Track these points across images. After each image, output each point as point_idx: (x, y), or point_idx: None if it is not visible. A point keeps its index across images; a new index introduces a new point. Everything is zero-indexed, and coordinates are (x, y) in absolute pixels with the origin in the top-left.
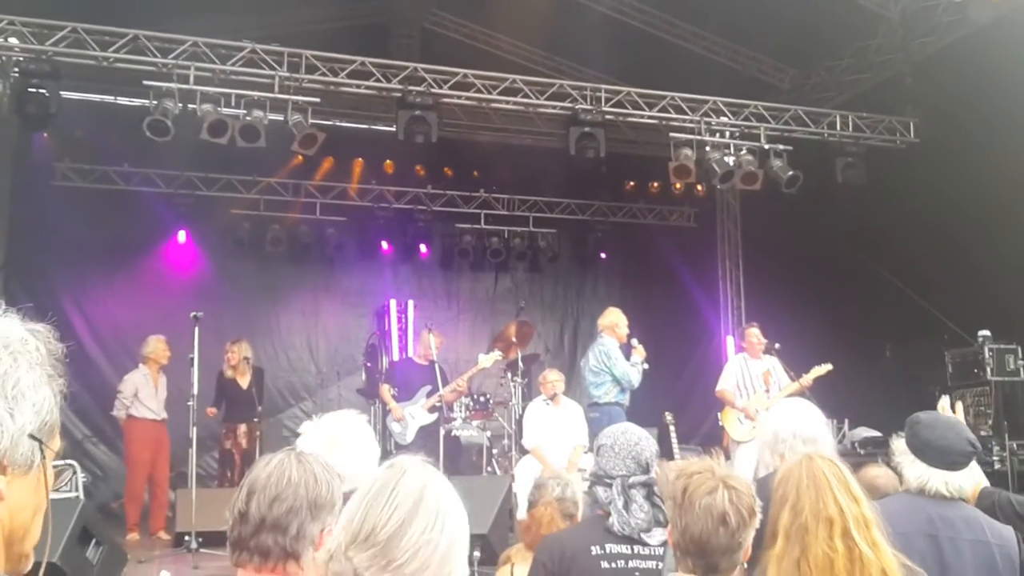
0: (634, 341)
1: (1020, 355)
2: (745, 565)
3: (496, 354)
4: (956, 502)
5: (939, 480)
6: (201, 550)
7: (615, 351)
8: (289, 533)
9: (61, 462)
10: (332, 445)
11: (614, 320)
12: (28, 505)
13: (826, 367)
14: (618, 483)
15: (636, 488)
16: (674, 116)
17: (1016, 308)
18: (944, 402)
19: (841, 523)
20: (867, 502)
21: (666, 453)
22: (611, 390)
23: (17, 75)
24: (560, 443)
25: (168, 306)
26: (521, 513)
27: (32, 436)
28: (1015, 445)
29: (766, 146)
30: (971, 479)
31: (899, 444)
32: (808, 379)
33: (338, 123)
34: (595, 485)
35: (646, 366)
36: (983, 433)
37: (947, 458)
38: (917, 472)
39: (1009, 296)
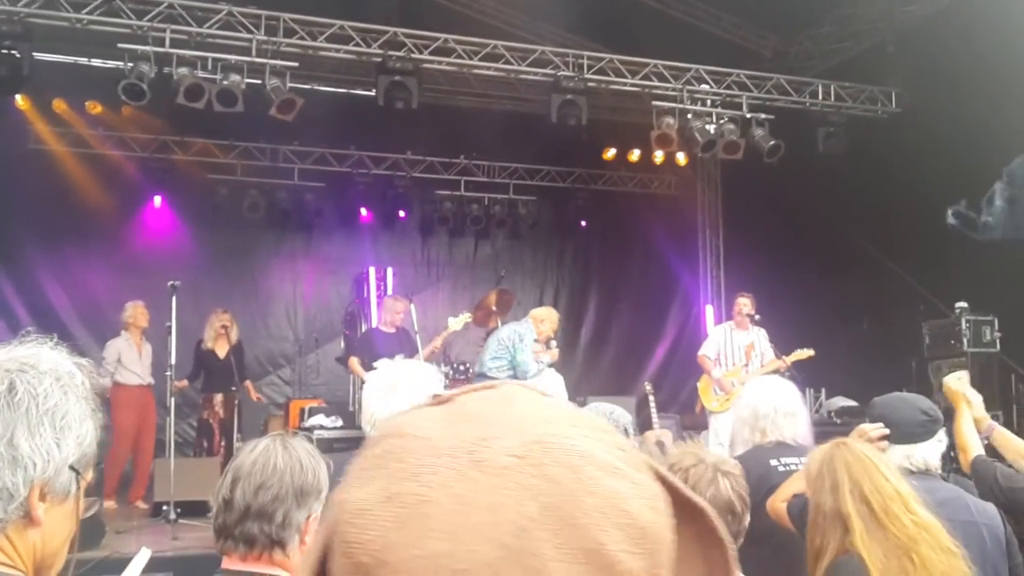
0: (553, 343)
1: (996, 327)
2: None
3: (465, 315)
4: (936, 480)
5: (900, 455)
6: (180, 521)
7: (529, 339)
8: (275, 521)
9: None
10: (393, 386)
11: (545, 316)
12: (61, 532)
13: (807, 352)
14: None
15: None
16: (657, 84)
17: (993, 280)
18: (963, 376)
19: (900, 500)
20: (901, 479)
21: (645, 422)
22: (504, 371)
23: None
24: None
25: (146, 273)
26: None
27: (72, 467)
28: (990, 416)
29: (748, 115)
30: (938, 450)
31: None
32: (789, 360)
33: (317, 87)
34: None
35: (548, 368)
36: None
37: (903, 430)
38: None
39: (986, 268)
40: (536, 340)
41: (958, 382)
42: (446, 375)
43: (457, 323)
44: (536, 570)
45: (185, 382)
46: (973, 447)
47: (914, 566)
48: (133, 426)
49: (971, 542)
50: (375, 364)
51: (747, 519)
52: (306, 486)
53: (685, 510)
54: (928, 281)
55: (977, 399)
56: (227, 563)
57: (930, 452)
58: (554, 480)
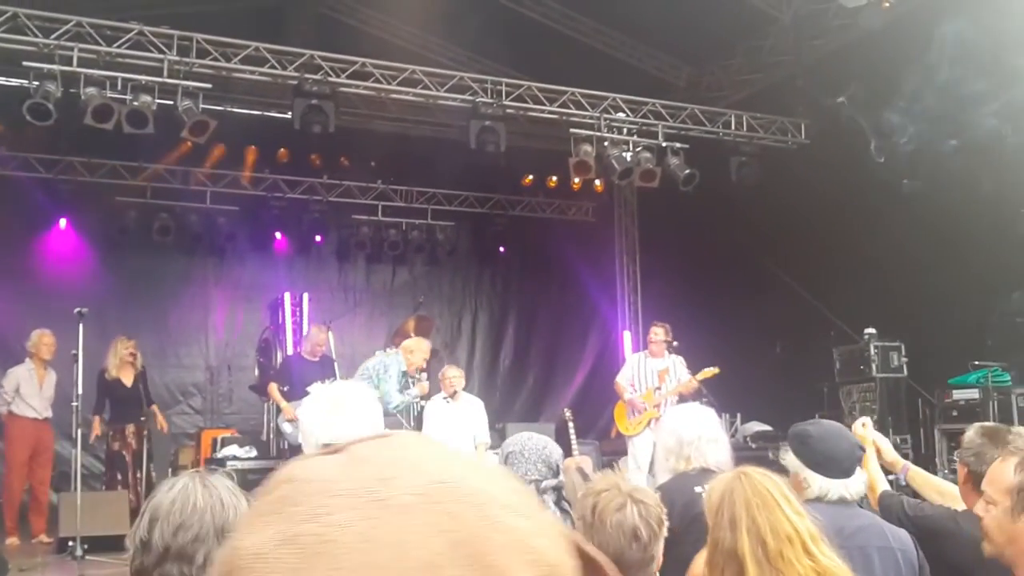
0: (423, 375)
1: (903, 352)
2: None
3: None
4: (855, 508)
5: (840, 488)
6: (87, 557)
7: (395, 371)
8: (195, 563)
9: None
10: (335, 409)
11: (415, 348)
12: None
13: (713, 370)
14: (532, 489)
15: (548, 493)
16: (574, 112)
17: (900, 307)
18: (867, 421)
19: (799, 540)
20: (808, 516)
21: (565, 448)
22: None
23: None
24: (461, 440)
25: (49, 299)
26: None
27: None
28: (898, 439)
29: (663, 144)
30: (861, 479)
31: (790, 459)
32: (697, 378)
33: (230, 109)
34: None
35: (417, 400)
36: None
37: (843, 466)
38: (818, 484)
39: (893, 295)
40: (405, 372)
41: (863, 428)
42: None
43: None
44: None
45: (98, 420)
46: (880, 484)
47: None
48: (25, 460)
49: (888, 568)
50: (308, 390)
51: (658, 546)
52: (228, 525)
53: (584, 559)
54: (838, 307)
55: (886, 443)
56: None
57: (859, 482)
58: (459, 517)
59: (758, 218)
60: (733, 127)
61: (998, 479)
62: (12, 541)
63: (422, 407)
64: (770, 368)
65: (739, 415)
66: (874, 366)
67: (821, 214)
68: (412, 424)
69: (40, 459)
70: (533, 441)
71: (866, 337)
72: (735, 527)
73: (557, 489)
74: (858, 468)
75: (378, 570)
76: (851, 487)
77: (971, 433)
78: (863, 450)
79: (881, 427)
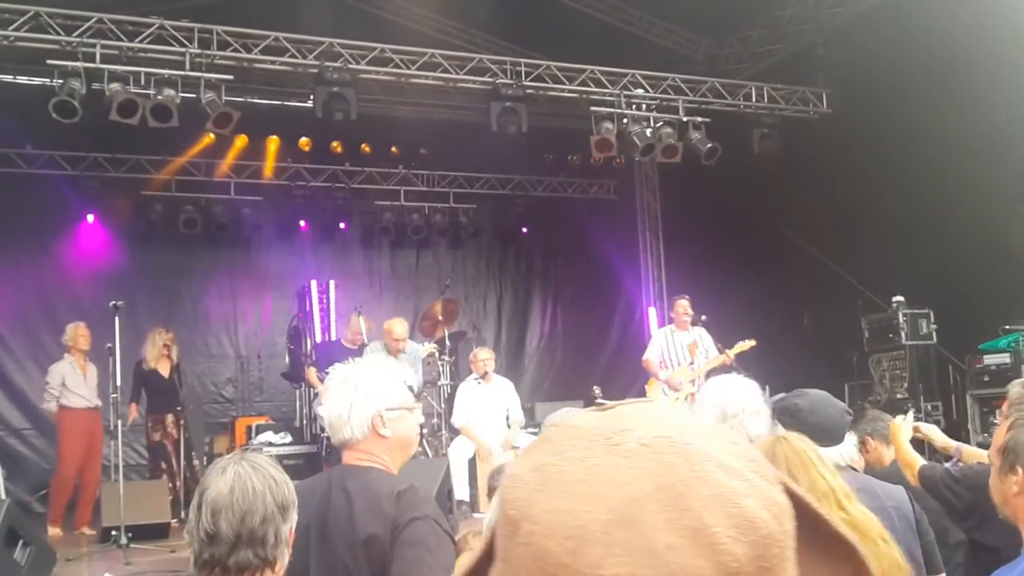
0: (406, 354)
1: (932, 319)
2: None
3: (429, 346)
4: (848, 472)
5: (835, 455)
6: (132, 545)
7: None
8: (268, 543)
9: None
10: (345, 383)
11: (390, 330)
12: None
13: (749, 343)
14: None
15: None
16: (594, 89)
17: (927, 273)
18: (909, 416)
19: (834, 497)
20: (840, 477)
21: None
22: None
23: None
24: (493, 421)
25: (80, 294)
26: (462, 494)
27: None
28: (929, 407)
29: (684, 119)
30: (851, 442)
31: (780, 431)
32: (731, 353)
33: (252, 100)
34: None
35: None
36: (899, 396)
37: (835, 433)
38: None
39: (921, 262)
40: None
41: (904, 422)
42: None
43: (421, 351)
44: (643, 535)
45: (135, 407)
46: (916, 460)
47: None
48: (81, 451)
49: (884, 526)
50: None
51: None
52: (286, 500)
53: (818, 531)
54: (865, 276)
55: (935, 431)
56: None
57: (850, 445)
58: (672, 467)
59: (782, 189)
60: (754, 99)
61: (995, 440)
62: (55, 532)
63: (452, 387)
64: (798, 339)
65: (767, 387)
66: (903, 334)
67: (845, 183)
68: (443, 406)
69: (94, 450)
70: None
71: (894, 305)
72: None
73: None
74: (848, 433)
75: (590, 498)
76: (844, 452)
77: (1018, 388)
78: (851, 414)
79: (912, 395)
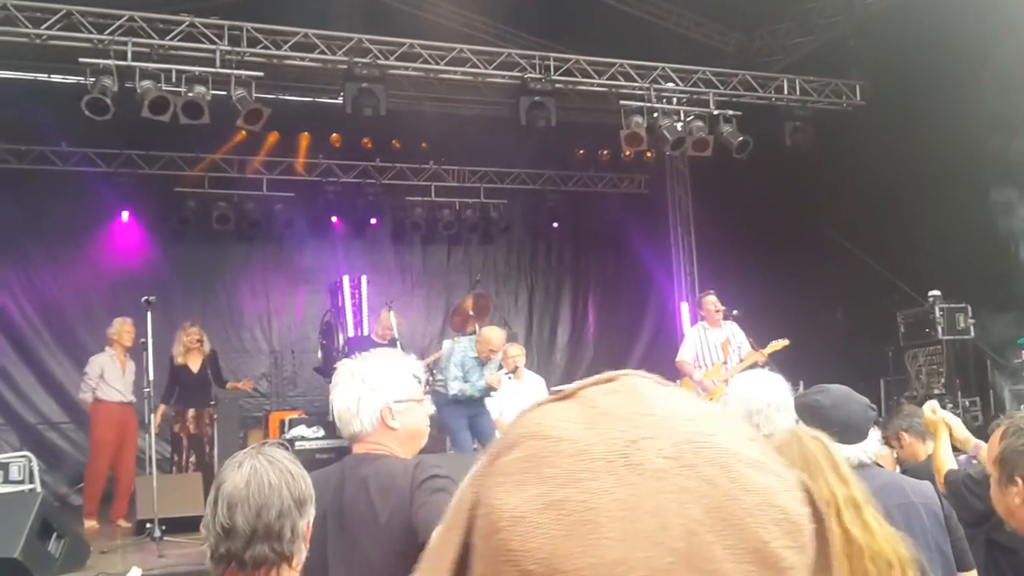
0: (498, 366)
1: (969, 314)
2: None
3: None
4: (874, 468)
5: (859, 452)
6: (165, 538)
7: (457, 358)
8: (284, 538)
9: (15, 454)
10: (353, 376)
11: (480, 338)
12: None
13: (783, 342)
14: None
15: None
16: (623, 83)
17: (965, 267)
18: (934, 404)
19: (833, 505)
20: (856, 482)
21: None
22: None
23: None
24: None
25: (116, 290)
26: None
27: None
28: (967, 402)
29: (715, 112)
30: (875, 438)
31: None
32: (766, 352)
33: (283, 96)
34: None
35: (478, 394)
36: (935, 391)
37: (859, 430)
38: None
39: (958, 256)
40: (476, 358)
41: (933, 414)
42: (427, 382)
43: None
44: (711, 572)
45: (161, 409)
46: (946, 465)
47: None
48: (113, 444)
49: (912, 523)
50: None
51: None
52: (303, 495)
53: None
54: (901, 270)
55: (956, 422)
56: None
57: (874, 443)
58: (710, 481)
59: (814, 183)
60: (786, 92)
61: (989, 450)
62: (91, 525)
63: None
64: (832, 335)
65: (801, 383)
66: (940, 329)
67: (879, 176)
68: None
69: (126, 443)
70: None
71: (931, 299)
72: None
73: None
74: (871, 429)
75: (642, 540)
76: (868, 449)
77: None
78: (874, 410)
79: (949, 390)
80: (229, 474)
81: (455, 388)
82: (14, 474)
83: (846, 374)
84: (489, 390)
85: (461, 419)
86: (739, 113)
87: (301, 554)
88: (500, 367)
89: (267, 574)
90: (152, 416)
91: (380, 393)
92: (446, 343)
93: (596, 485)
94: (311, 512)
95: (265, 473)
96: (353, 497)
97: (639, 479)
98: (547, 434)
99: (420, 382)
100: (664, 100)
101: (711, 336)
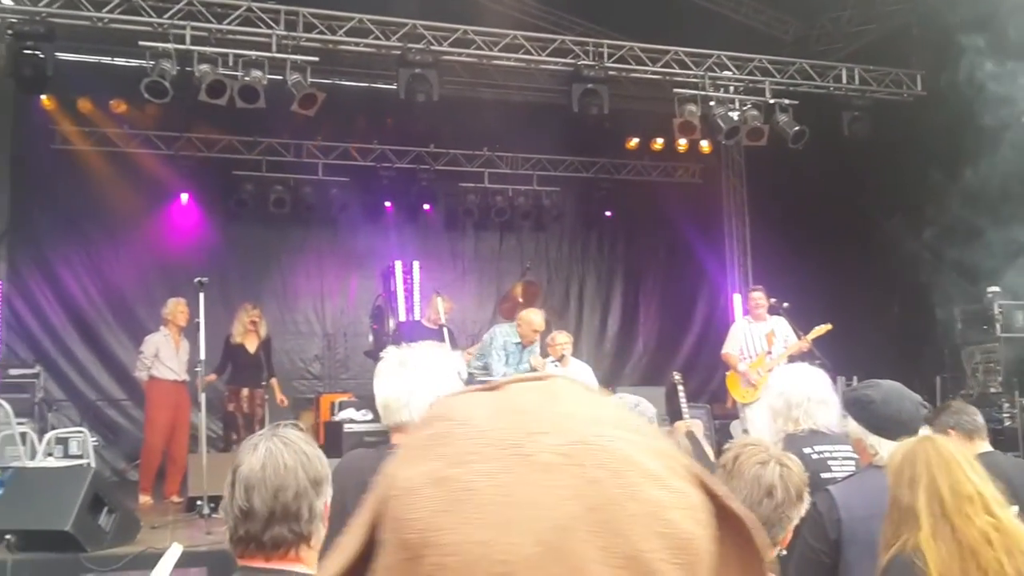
0: (536, 348)
1: None
2: (783, 552)
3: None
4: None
5: None
6: (214, 515)
7: (499, 342)
8: (302, 518)
9: (73, 429)
10: (403, 365)
11: (521, 320)
12: None
13: (825, 327)
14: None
15: None
16: (678, 71)
17: None
18: None
19: (982, 501)
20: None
21: (675, 413)
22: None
23: (11, 37)
24: None
25: (174, 271)
26: None
27: None
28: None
29: (771, 101)
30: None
31: (852, 426)
32: (808, 339)
33: (338, 82)
34: None
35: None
36: (992, 390)
37: (909, 427)
38: (885, 448)
39: (1018, 251)
40: (519, 343)
41: None
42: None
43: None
44: (577, 569)
45: (214, 376)
46: None
47: (978, 568)
48: (168, 421)
49: None
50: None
51: (793, 513)
52: (319, 475)
53: (726, 518)
54: (959, 265)
55: None
56: (246, 562)
57: None
58: (596, 482)
59: (872, 174)
60: (844, 81)
61: None
62: (146, 500)
63: (531, 370)
64: (888, 329)
65: (855, 378)
66: (998, 326)
67: (939, 167)
68: None
69: (179, 421)
70: (626, 400)
71: (990, 295)
72: (913, 485)
73: None
74: (921, 426)
75: (512, 526)
76: None
77: None
78: (926, 407)
79: (1006, 389)
80: (245, 457)
81: (498, 373)
82: (73, 448)
83: (901, 370)
84: (532, 372)
85: None
86: (796, 102)
87: (320, 533)
88: (547, 354)
89: (286, 554)
90: (200, 383)
91: (431, 385)
92: (494, 327)
93: (482, 468)
94: (328, 492)
95: (280, 455)
96: None
97: (524, 469)
98: (453, 416)
99: (463, 379)
100: (719, 88)
101: (755, 329)
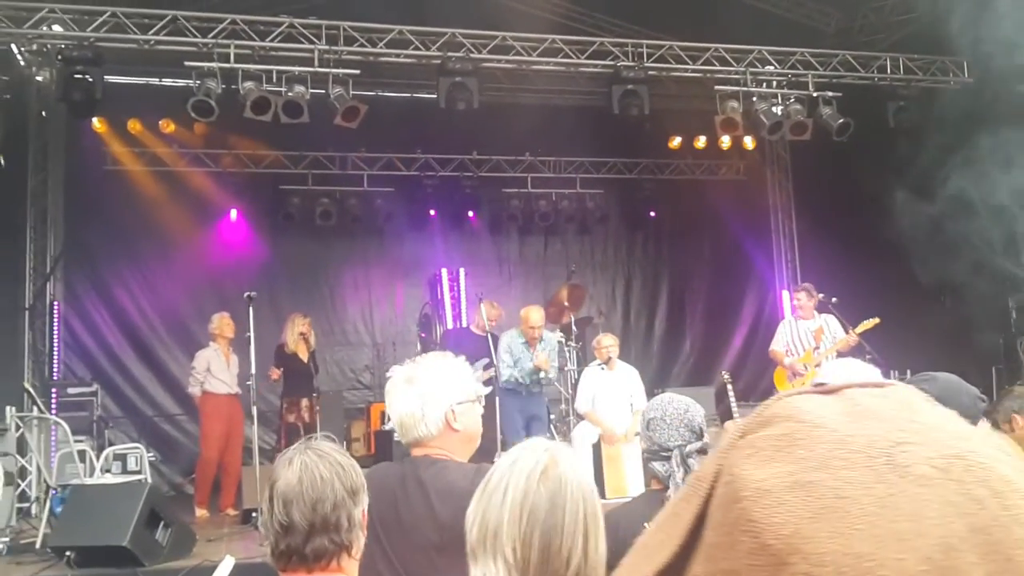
0: (544, 348)
1: None
2: None
3: (556, 334)
4: None
5: None
6: None
7: (503, 344)
8: (342, 528)
9: (130, 445)
10: (410, 382)
11: (521, 318)
12: None
13: (873, 321)
14: (676, 454)
15: (694, 456)
16: (719, 68)
17: None
18: None
19: None
20: None
21: (725, 413)
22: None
23: (61, 63)
24: (617, 408)
25: (225, 285)
26: None
27: None
28: None
29: (814, 94)
30: (984, 429)
31: None
32: (856, 333)
33: (380, 93)
34: (651, 461)
35: (537, 375)
36: None
37: (969, 421)
38: None
39: None
40: (526, 344)
41: None
42: None
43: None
44: None
45: (277, 373)
46: None
47: None
48: (222, 434)
49: None
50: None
51: None
52: (355, 484)
53: None
54: (1012, 254)
55: None
56: (288, 574)
57: None
58: (979, 502)
59: (919, 164)
60: (889, 71)
61: None
62: (202, 513)
63: (579, 373)
64: (939, 321)
65: (908, 372)
66: None
67: (989, 156)
68: (570, 391)
69: (233, 434)
70: (674, 405)
71: None
72: None
73: (703, 451)
74: (980, 420)
75: (895, 540)
76: None
77: None
78: (984, 400)
79: None
80: (281, 472)
81: (506, 374)
82: (131, 464)
83: (955, 363)
84: (537, 372)
85: (515, 413)
86: (839, 95)
87: (360, 542)
88: (593, 357)
89: (328, 565)
90: (256, 407)
91: (443, 396)
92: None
93: (851, 475)
94: (365, 500)
95: (316, 467)
96: (412, 498)
97: (900, 480)
98: (804, 418)
99: (474, 382)
100: (761, 84)
101: (802, 326)
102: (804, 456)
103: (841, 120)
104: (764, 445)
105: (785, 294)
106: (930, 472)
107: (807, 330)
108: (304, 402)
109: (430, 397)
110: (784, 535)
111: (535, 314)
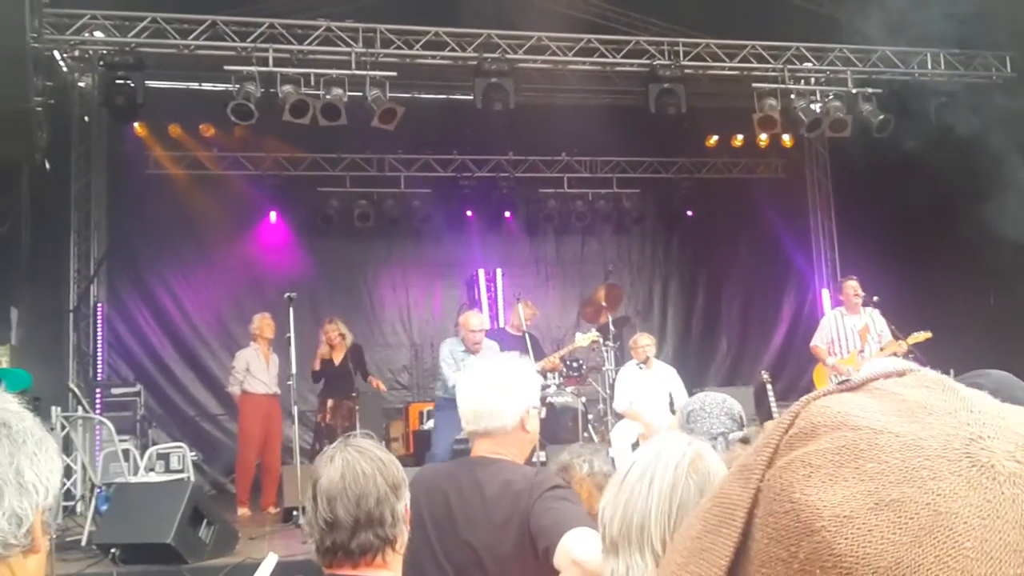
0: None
1: None
2: None
3: (593, 334)
4: None
5: None
6: None
7: (445, 351)
8: (386, 523)
9: (173, 444)
10: (499, 374)
11: (462, 322)
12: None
13: (925, 334)
14: (721, 441)
15: (735, 445)
16: (756, 66)
17: None
18: None
19: None
20: None
21: (765, 412)
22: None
23: (103, 68)
24: (655, 407)
25: (264, 287)
26: None
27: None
28: None
29: (854, 90)
30: None
31: None
32: (908, 342)
33: (417, 95)
34: None
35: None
36: None
37: None
38: None
39: None
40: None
41: None
42: (560, 373)
43: (584, 340)
44: None
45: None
46: None
47: None
48: (260, 433)
49: None
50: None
51: None
52: (396, 479)
53: None
54: None
55: None
56: (333, 571)
57: None
58: None
59: (962, 160)
60: (930, 66)
61: None
62: (244, 512)
63: (617, 373)
64: (984, 320)
65: (952, 371)
66: None
67: None
68: (608, 392)
69: (272, 433)
70: (711, 397)
71: None
72: None
73: (745, 440)
74: None
75: (1011, 554)
76: None
77: None
78: None
79: None
80: (323, 469)
81: (452, 382)
82: (174, 463)
83: (1000, 360)
84: None
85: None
86: (879, 91)
87: (403, 536)
88: (630, 356)
89: (373, 559)
90: (296, 407)
91: (526, 395)
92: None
93: (941, 486)
94: (406, 495)
95: (357, 463)
96: (466, 498)
97: (992, 483)
98: (859, 424)
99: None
100: (799, 81)
101: (848, 322)
102: (878, 470)
103: (881, 116)
104: (821, 462)
105: (825, 292)
106: (1016, 468)
107: (852, 327)
108: (330, 403)
109: (514, 393)
110: (882, 567)
111: (474, 319)
